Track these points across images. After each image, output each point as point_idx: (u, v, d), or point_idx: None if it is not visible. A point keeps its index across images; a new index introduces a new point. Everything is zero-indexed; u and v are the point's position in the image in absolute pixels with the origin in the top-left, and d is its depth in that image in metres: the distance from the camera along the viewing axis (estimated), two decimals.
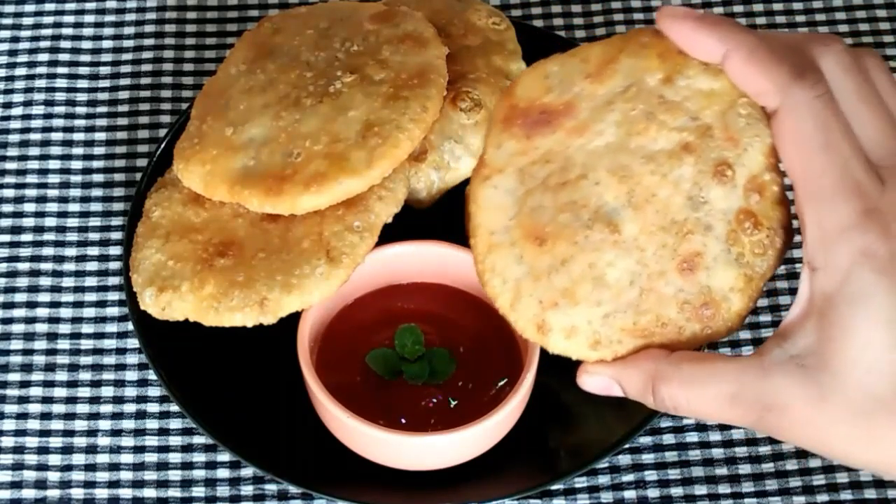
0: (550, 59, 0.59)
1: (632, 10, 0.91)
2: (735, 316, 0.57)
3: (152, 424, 0.76)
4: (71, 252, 0.82)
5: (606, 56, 0.59)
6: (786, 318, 0.55)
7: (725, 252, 0.56)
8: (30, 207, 0.83)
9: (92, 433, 0.76)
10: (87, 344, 0.79)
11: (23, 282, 0.81)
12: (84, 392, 0.77)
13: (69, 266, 0.81)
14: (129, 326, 0.79)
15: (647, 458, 0.75)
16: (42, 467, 0.75)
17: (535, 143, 0.58)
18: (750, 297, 0.57)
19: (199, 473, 0.75)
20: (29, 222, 0.83)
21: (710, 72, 0.57)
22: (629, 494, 0.74)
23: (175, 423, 0.76)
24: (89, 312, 0.80)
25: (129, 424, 0.76)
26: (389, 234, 0.74)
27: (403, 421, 0.71)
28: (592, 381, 0.58)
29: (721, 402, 0.55)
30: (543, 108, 0.58)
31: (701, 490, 0.74)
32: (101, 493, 0.74)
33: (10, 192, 0.84)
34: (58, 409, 0.77)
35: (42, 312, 0.80)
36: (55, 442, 0.76)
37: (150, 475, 0.75)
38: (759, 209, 0.56)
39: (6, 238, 0.82)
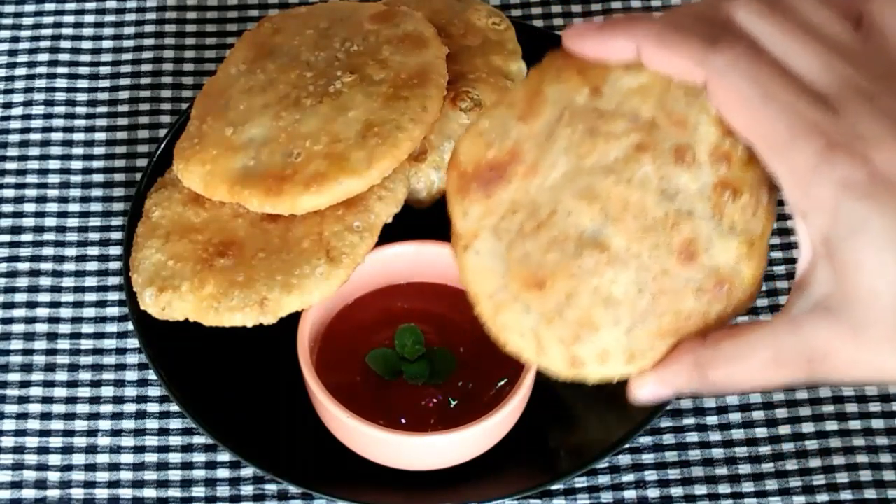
0: (479, 116, 0.59)
1: (631, 10, 0.91)
2: (751, 281, 0.57)
3: (152, 424, 0.76)
4: (71, 252, 0.82)
5: (530, 92, 0.58)
6: (797, 269, 0.55)
7: (717, 228, 0.56)
8: (30, 207, 0.83)
9: (92, 433, 0.76)
10: (87, 344, 0.79)
11: (23, 282, 0.81)
12: (84, 392, 0.77)
13: (69, 266, 0.81)
14: (129, 326, 0.79)
15: (647, 458, 0.75)
16: (42, 467, 0.75)
17: (497, 199, 0.58)
18: (759, 258, 0.57)
19: (199, 473, 0.75)
20: (29, 222, 0.83)
21: (632, 69, 0.56)
22: (629, 494, 0.74)
23: (175, 423, 0.76)
24: (89, 312, 0.80)
25: (129, 424, 0.76)
26: (389, 234, 0.74)
27: (403, 421, 0.71)
28: (643, 393, 0.58)
29: (767, 368, 0.55)
30: (490, 164, 0.58)
31: (701, 490, 0.74)
32: (101, 493, 0.74)
33: (10, 192, 0.84)
34: (58, 409, 0.77)
35: (42, 312, 0.80)
36: (55, 442, 0.76)
37: (150, 475, 0.75)
38: (731, 176, 0.56)
39: (6, 238, 0.82)
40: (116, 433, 0.76)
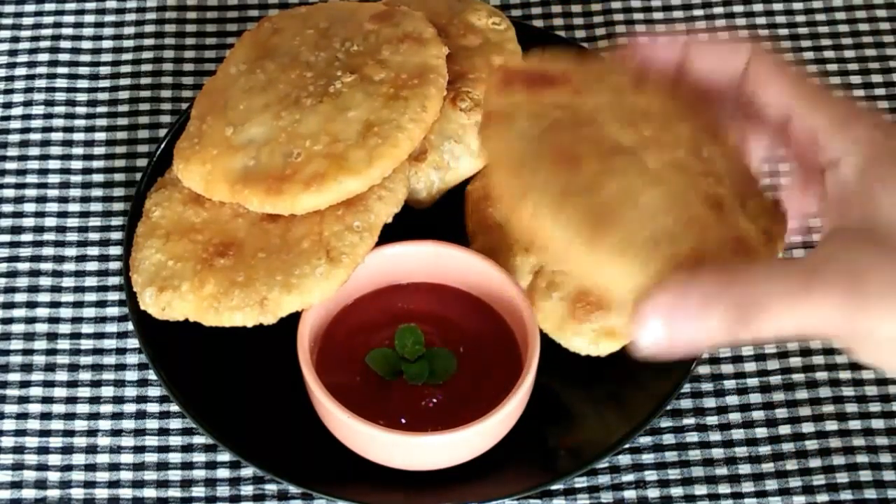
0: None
1: (631, 10, 0.91)
2: (773, 251, 0.57)
3: (152, 424, 0.76)
4: (71, 252, 0.82)
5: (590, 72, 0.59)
6: (828, 219, 0.55)
7: (740, 206, 0.56)
8: (30, 207, 0.83)
9: (92, 433, 0.76)
10: (87, 344, 0.79)
11: (23, 282, 0.81)
12: (84, 392, 0.77)
13: (69, 266, 0.81)
14: (129, 326, 0.79)
15: (647, 458, 0.75)
16: (42, 467, 0.75)
17: (540, 97, 0.56)
18: (773, 252, 0.56)
19: (199, 473, 0.75)
20: (29, 222, 0.83)
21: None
22: (629, 494, 0.74)
23: (175, 423, 0.76)
24: (89, 312, 0.80)
25: (129, 424, 0.76)
26: (389, 234, 0.74)
27: (403, 421, 0.71)
28: (655, 309, 0.52)
29: (800, 289, 0.51)
30: (542, 72, 0.57)
31: (701, 490, 0.74)
32: (101, 493, 0.74)
33: (10, 192, 0.84)
34: (58, 409, 0.77)
35: (42, 312, 0.80)
36: (55, 442, 0.76)
37: (150, 475, 0.75)
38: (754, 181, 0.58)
39: (6, 238, 0.82)
40: (116, 433, 0.76)
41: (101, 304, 0.80)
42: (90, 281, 0.81)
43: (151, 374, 0.77)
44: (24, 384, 0.77)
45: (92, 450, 0.76)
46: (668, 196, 0.54)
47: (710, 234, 0.54)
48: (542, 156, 0.55)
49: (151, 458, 0.75)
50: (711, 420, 0.76)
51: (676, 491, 0.74)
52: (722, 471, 0.74)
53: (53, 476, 0.75)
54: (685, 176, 0.55)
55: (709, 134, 0.57)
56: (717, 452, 0.75)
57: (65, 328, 0.79)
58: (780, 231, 0.57)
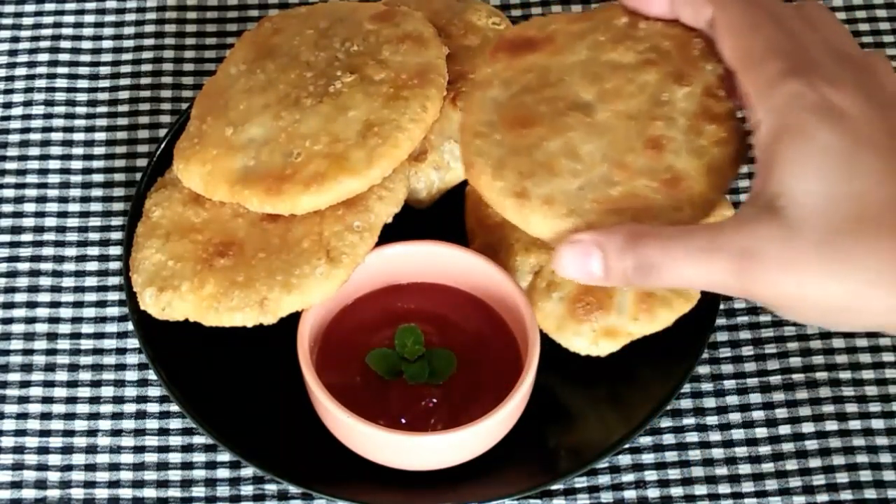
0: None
1: None
2: (700, 198, 0.62)
3: (152, 424, 0.76)
4: (71, 252, 0.82)
5: (582, 15, 0.68)
6: (752, 186, 0.59)
7: (688, 142, 0.63)
8: (30, 207, 0.83)
9: (92, 433, 0.76)
10: (87, 344, 0.79)
11: (23, 282, 0.81)
12: (84, 392, 0.77)
13: (69, 266, 0.81)
14: (129, 326, 0.79)
15: (647, 458, 0.75)
16: (42, 467, 0.75)
17: (519, 62, 0.67)
18: (713, 186, 0.62)
19: (199, 473, 0.75)
20: (29, 222, 0.83)
21: (666, 22, 0.66)
22: (629, 494, 0.74)
23: (175, 423, 0.76)
24: (89, 312, 0.80)
25: (129, 424, 0.76)
26: (389, 234, 0.74)
27: (403, 421, 0.71)
28: (571, 252, 0.60)
29: (699, 255, 0.58)
30: (527, 38, 0.68)
31: (701, 490, 0.74)
32: (101, 493, 0.74)
33: (10, 192, 0.84)
34: (58, 409, 0.77)
35: (42, 312, 0.80)
36: (55, 442, 0.76)
37: (150, 475, 0.75)
38: (717, 110, 0.64)
39: (6, 238, 0.82)
40: (116, 433, 0.76)
41: (101, 304, 0.80)
42: (90, 281, 0.81)
43: (151, 374, 0.78)
44: (24, 384, 0.78)
45: (92, 450, 0.76)
46: (610, 144, 0.63)
47: (641, 177, 0.62)
48: (500, 120, 0.65)
49: (151, 458, 0.75)
50: (711, 420, 0.76)
51: (676, 491, 0.74)
52: (722, 471, 0.74)
53: (53, 476, 0.75)
54: (633, 122, 0.63)
55: (679, 76, 0.64)
56: (717, 452, 0.75)
57: (65, 328, 0.79)
58: (728, 162, 0.63)
